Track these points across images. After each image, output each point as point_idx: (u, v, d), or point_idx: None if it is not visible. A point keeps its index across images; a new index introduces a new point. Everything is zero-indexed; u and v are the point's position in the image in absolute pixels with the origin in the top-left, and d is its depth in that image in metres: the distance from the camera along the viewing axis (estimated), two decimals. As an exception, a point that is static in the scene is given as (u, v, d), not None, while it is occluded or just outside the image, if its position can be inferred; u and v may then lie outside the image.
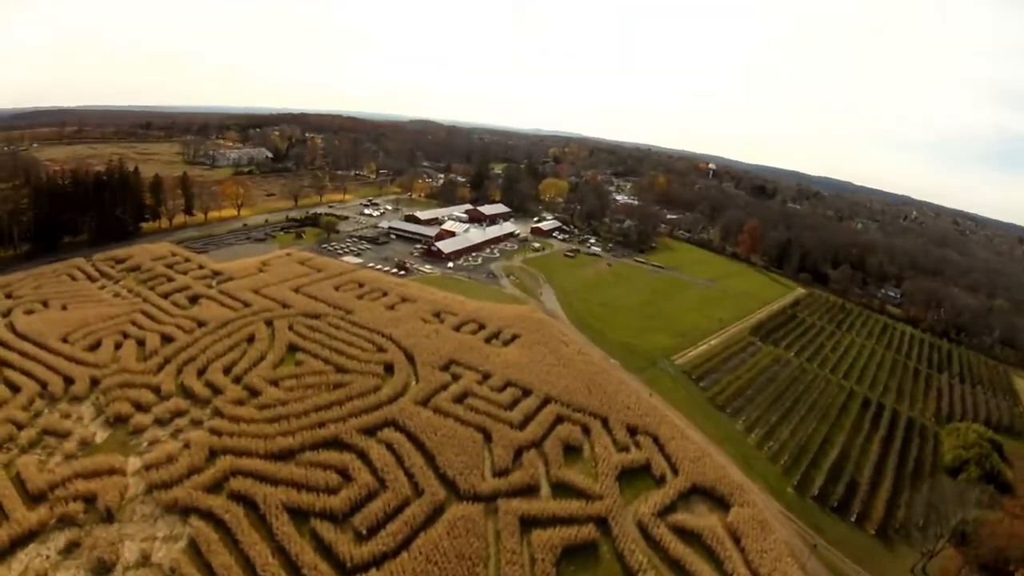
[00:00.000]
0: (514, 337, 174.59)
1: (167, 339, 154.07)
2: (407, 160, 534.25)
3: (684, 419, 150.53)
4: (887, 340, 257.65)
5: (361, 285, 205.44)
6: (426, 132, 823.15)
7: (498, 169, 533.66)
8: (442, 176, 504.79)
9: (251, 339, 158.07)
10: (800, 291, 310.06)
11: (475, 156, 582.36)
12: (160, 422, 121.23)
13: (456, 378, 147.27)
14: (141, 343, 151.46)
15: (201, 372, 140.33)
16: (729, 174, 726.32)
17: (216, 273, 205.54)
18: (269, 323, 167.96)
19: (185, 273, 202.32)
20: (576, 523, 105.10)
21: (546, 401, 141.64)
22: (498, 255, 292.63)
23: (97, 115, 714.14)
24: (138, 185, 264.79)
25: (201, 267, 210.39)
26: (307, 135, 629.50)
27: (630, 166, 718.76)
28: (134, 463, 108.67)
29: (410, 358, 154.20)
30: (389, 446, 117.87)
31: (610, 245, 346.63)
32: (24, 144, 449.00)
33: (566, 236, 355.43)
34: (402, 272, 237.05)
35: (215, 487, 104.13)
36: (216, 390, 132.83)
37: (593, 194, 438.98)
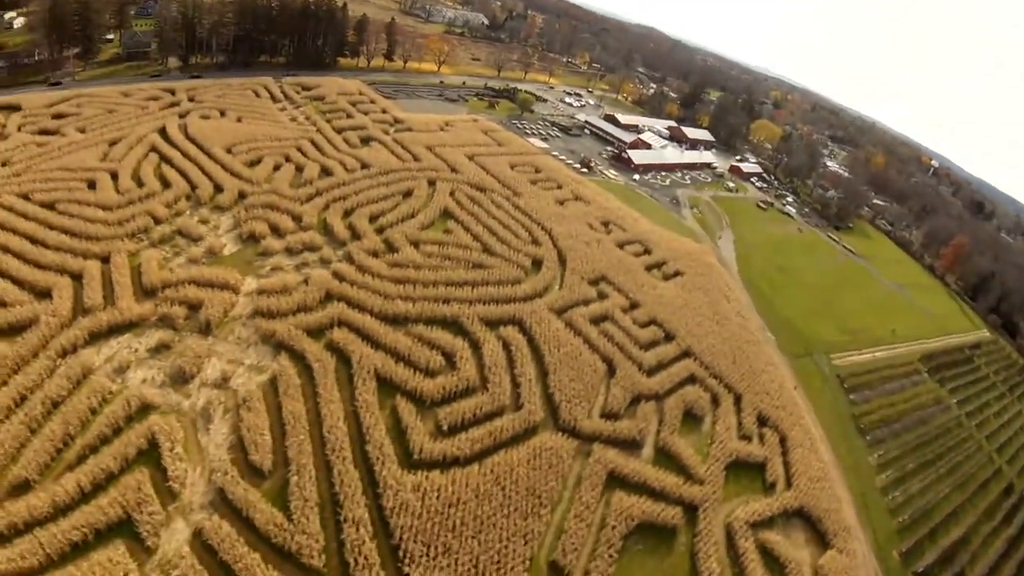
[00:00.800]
0: (676, 273, 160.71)
1: (326, 172, 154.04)
2: (623, 60, 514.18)
3: (820, 428, 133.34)
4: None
5: (538, 170, 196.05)
6: (649, 39, 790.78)
7: (713, 96, 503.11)
8: (654, 86, 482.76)
9: (408, 194, 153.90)
10: (984, 334, 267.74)
11: (693, 76, 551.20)
12: (290, 251, 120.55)
13: (602, 297, 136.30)
14: (300, 169, 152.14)
15: (348, 213, 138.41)
16: (949, 178, 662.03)
17: (397, 121, 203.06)
18: (432, 183, 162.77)
19: (366, 114, 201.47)
20: (664, 500, 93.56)
21: (685, 354, 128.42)
22: (688, 182, 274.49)
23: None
24: (343, 20, 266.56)
25: (384, 111, 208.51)
26: (529, 12, 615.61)
27: (849, 134, 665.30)
28: (250, 284, 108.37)
29: (562, 260, 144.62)
30: (506, 345, 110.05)
31: (806, 210, 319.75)
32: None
33: (764, 185, 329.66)
34: (585, 170, 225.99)
35: (317, 331, 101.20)
36: (356, 234, 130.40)
37: (804, 151, 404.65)
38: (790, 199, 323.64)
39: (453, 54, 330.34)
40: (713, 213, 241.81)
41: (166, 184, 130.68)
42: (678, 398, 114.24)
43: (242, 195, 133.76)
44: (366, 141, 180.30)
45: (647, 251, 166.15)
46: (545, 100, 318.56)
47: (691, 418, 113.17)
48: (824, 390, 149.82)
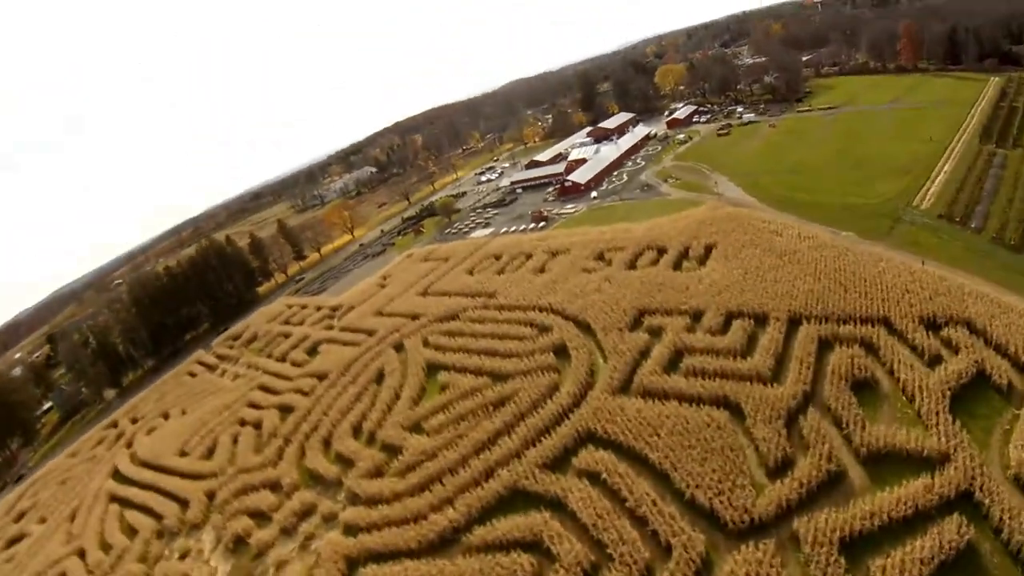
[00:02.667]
0: (709, 249, 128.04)
1: (286, 411, 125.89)
2: (509, 113, 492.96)
3: (981, 281, 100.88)
4: None
5: (498, 257, 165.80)
6: (519, 87, 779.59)
7: (603, 88, 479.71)
8: (549, 117, 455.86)
9: (380, 377, 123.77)
10: (996, 79, 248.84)
11: (574, 85, 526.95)
12: (286, 532, 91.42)
13: (656, 333, 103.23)
14: (258, 427, 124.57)
15: (327, 443, 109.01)
16: (833, 4, 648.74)
17: (335, 309, 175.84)
18: (399, 347, 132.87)
19: (302, 323, 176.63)
20: (927, 521, 58.64)
21: (795, 322, 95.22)
22: (642, 163, 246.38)
23: (219, 208, 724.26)
24: (237, 253, 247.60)
25: (319, 308, 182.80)
26: (406, 138, 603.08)
27: (734, 32, 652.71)
28: None
29: (584, 327, 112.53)
30: (594, 477, 76.19)
31: (761, 107, 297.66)
32: (150, 264, 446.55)
33: (708, 116, 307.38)
34: (541, 224, 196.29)
35: None
36: (347, 462, 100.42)
37: (717, 64, 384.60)
38: (740, 109, 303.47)
39: (358, 214, 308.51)
40: (689, 171, 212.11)
41: (134, 533, 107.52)
42: (832, 378, 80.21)
43: (210, 496, 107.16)
44: (312, 350, 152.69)
45: (662, 251, 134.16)
46: (464, 193, 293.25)
47: (863, 388, 79.02)
48: (944, 241, 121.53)
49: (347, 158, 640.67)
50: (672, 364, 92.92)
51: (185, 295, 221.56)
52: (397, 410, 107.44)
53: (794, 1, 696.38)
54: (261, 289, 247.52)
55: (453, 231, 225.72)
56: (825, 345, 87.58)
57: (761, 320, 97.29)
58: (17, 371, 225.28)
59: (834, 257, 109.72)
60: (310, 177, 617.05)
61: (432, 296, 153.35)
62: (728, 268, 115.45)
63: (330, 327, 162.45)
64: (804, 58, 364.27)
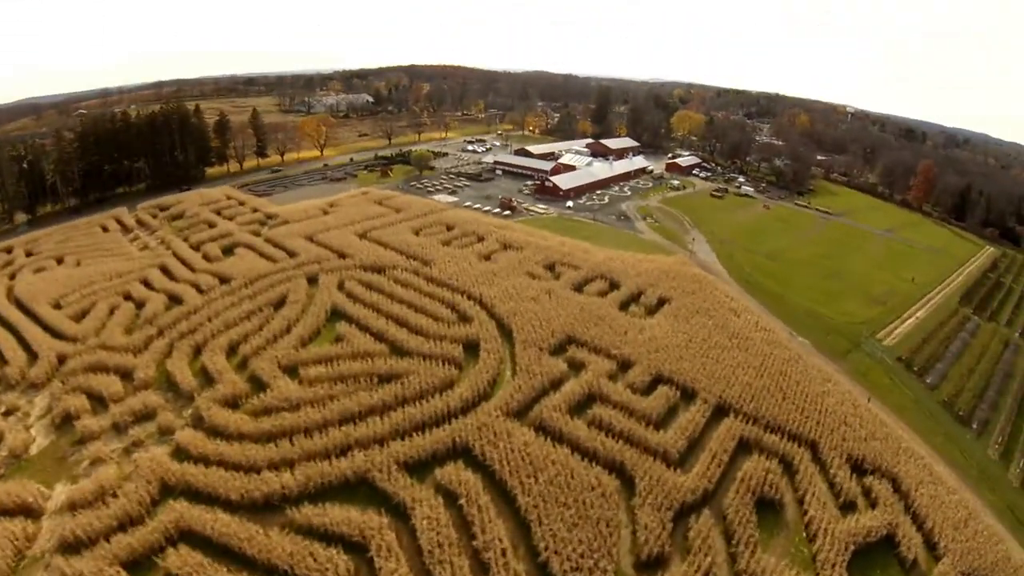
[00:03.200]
0: (662, 301, 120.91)
1: (175, 301, 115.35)
2: (519, 98, 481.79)
3: (919, 440, 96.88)
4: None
5: (450, 228, 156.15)
6: (540, 79, 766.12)
7: (619, 109, 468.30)
8: (557, 115, 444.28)
9: (281, 302, 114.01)
10: (991, 250, 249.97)
11: (594, 96, 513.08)
12: (117, 428, 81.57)
13: (576, 367, 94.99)
14: (140, 307, 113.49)
15: (197, 351, 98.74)
16: (869, 119, 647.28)
17: (269, 217, 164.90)
18: (312, 279, 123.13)
19: (232, 218, 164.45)
20: None
21: (722, 410, 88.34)
22: (629, 193, 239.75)
23: (209, 80, 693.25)
24: (200, 126, 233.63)
25: (255, 211, 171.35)
26: (414, 83, 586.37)
27: (763, 107, 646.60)
28: (59, 495, 71.07)
29: (506, 332, 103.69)
30: (450, 498, 67.88)
31: (762, 185, 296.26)
32: (121, 107, 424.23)
33: (708, 174, 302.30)
34: (507, 212, 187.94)
35: (148, 554, 62.21)
36: (209, 379, 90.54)
37: (735, 129, 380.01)
38: (741, 179, 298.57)
39: (335, 134, 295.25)
40: (670, 218, 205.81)
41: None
42: (739, 486, 73.18)
43: (61, 360, 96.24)
44: (229, 250, 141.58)
45: (614, 285, 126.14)
46: (445, 154, 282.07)
47: (766, 508, 72.38)
48: (895, 385, 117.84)
49: (350, 79, 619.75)
50: (580, 407, 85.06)
51: (132, 148, 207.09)
52: (281, 344, 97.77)
53: (827, 103, 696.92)
54: (211, 171, 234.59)
55: (419, 186, 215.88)
56: (744, 447, 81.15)
57: (688, 395, 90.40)
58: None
59: (784, 360, 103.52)
60: (308, 83, 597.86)
61: (368, 241, 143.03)
62: (674, 328, 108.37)
63: (257, 233, 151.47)
64: (819, 157, 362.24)
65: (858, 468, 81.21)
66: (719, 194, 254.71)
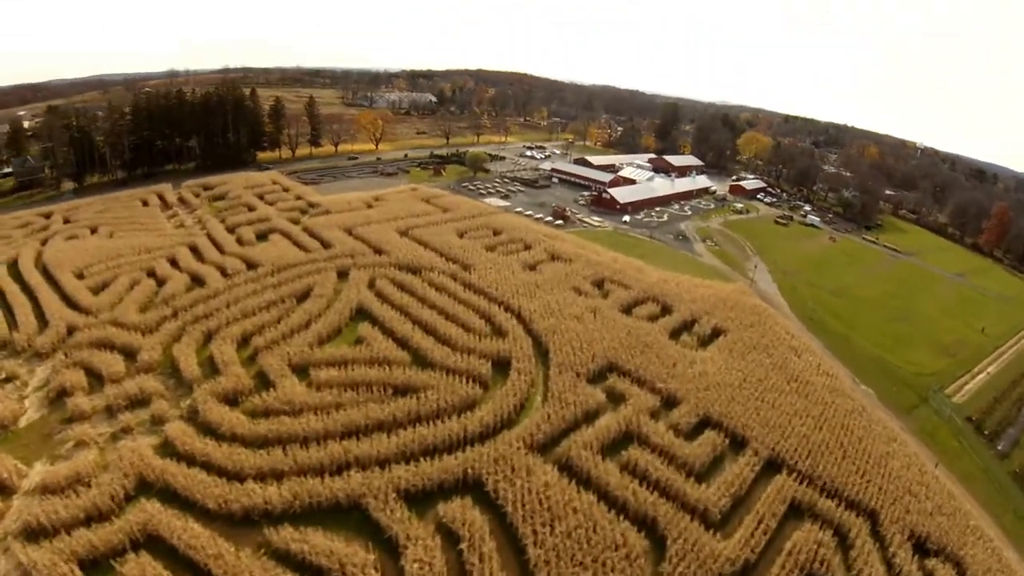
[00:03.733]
0: (717, 332, 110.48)
1: (197, 282, 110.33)
2: (583, 108, 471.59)
3: (987, 518, 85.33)
4: None
5: (496, 233, 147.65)
6: (606, 92, 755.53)
7: (685, 128, 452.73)
8: (621, 128, 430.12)
9: (305, 295, 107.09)
10: None
11: (659, 111, 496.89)
12: (110, 410, 76.58)
13: (615, 399, 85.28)
14: (162, 284, 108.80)
15: (208, 337, 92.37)
16: (939, 155, 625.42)
17: (312, 205, 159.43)
18: (344, 273, 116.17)
19: (273, 204, 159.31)
20: None
21: (774, 464, 77.83)
22: (689, 212, 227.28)
23: (276, 70, 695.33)
24: (255, 110, 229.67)
25: (299, 198, 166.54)
26: (479, 85, 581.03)
27: (831, 136, 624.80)
28: (36, 475, 66.42)
29: (542, 351, 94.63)
30: (451, 540, 58.82)
31: (829, 216, 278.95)
32: (187, 88, 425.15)
33: (773, 200, 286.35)
34: (559, 222, 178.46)
35: (108, 555, 56.07)
36: (214, 369, 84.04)
37: (802, 155, 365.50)
38: (807, 208, 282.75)
39: (392, 130, 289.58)
40: (731, 242, 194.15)
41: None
42: (784, 562, 62.40)
43: (70, 331, 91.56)
44: (264, 236, 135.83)
45: (666, 310, 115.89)
46: (503, 158, 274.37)
47: (813, 586, 62.24)
48: (964, 450, 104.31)
49: (416, 79, 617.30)
50: (614, 446, 74.93)
51: (184, 126, 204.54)
52: (296, 341, 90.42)
53: (897, 138, 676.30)
54: (263, 155, 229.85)
55: (471, 187, 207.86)
56: (795, 512, 70.56)
57: (738, 443, 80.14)
58: (3, 127, 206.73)
59: (846, 411, 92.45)
60: (375, 80, 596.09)
61: (409, 239, 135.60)
62: (728, 364, 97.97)
63: (296, 220, 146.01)
64: (887, 192, 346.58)
65: (921, 547, 70.28)
66: (784, 221, 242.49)
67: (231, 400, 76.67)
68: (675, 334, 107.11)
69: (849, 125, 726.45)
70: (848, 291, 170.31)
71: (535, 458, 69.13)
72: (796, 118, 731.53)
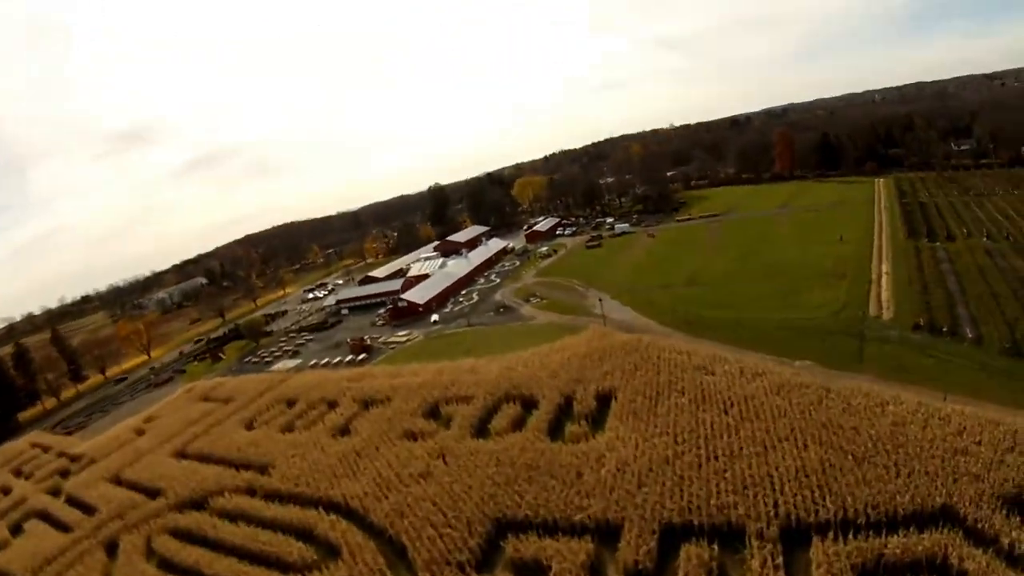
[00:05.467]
0: (604, 399, 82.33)
1: None
2: (352, 229, 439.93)
3: None
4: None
5: (291, 403, 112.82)
6: (367, 210, 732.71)
7: (458, 207, 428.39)
8: (396, 233, 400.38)
9: None
10: (882, 180, 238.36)
11: (426, 202, 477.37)
12: None
13: (531, 573, 55.04)
14: None
15: None
16: (691, 128, 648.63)
17: (74, 460, 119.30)
18: (112, 545, 79.70)
19: (30, 476, 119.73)
20: None
21: (793, 534, 51.06)
22: (497, 280, 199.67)
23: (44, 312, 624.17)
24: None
25: (61, 455, 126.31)
26: (249, 250, 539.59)
27: (592, 156, 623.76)
28: None
29: (397, 551, 62.40)
30: None
31: (634, 217, 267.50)
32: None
33: (574, 229, 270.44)
34: (361, 356, 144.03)
35: None
36: None
37: (581, 175, 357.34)
38: (610, 221, 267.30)
39: (162, 330, 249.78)
40: (557, 289, 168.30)
41: None
42: None
43: None
44: (17, 528, 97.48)
45: (529, 404, 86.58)
46: (284, 312, 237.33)
47: None
48: (940, 362, 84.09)
49: (184, 267, 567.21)
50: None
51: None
52: None
53: (649, 130, 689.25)
54: (28, 414, 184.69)
55: (254, 360, 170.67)
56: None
57: (731, 536, 52.12)
58: None
59: (812, 404, 68.11)
60: (146, 284, 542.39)
61: (189, 459, 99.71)
62: (643, 434, 69.88)
63: (56, 490, 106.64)
64: (669, 173, 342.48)
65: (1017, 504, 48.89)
66: (595, 243, 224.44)
67: None
68: (555, 430, 77.81)
69: (607, 138, 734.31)
70: (702, 275, 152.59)
71: None
72: (554, 154, 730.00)
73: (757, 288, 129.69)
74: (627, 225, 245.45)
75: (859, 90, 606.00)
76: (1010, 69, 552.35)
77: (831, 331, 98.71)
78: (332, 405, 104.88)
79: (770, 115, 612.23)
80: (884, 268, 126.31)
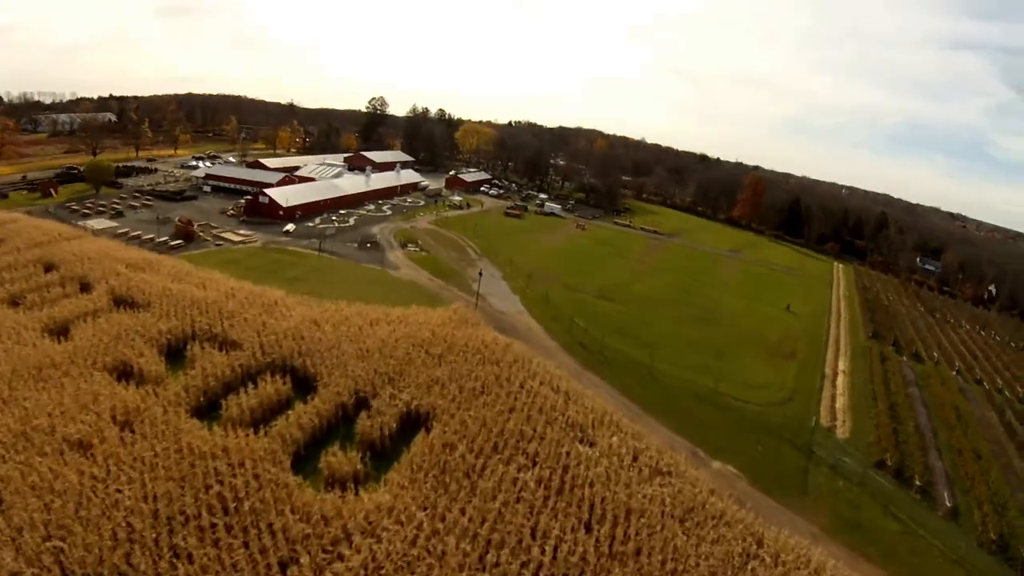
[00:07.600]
0: (415, 421, 53.93)
1: None
2: (278, 117, 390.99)
3: None
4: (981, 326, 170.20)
5: (48, 269, 79.16)
6: (320, 111, 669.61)
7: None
8: (315, 131, 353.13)
9: None
10: (842, 265, 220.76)
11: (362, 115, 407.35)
12: None
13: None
14: None
15: None
16: (659, 148, 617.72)
17: None
18: None
19: None
20: None
21: None
22: (389, 212, 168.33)
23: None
24: None
25: None
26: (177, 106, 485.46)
27: (556, 136, 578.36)
28: None
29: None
30: None
31: (571, 203, 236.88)
32: None
33: (502, 192, 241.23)
34: (178, 242, 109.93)
35: None
36: None
37: (531, 146, 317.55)
38: (543, 197, 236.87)
39: (27, 150, 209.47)
40: (446, 244, 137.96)
41: None
42: None
43: None
44: None
45: (307, 385, 57.44)
46: (154, 170, 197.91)
47: None
48: (907, 530, 58.72)
49: (108, 101, 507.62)
50: None
51: None
52: None
53: (621, 136, 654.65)
54: None
55: (77, 207, 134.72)
56: None
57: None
58: None
59: (731, 557, 43.16)
60: (66, 108, 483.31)
61: None
62: (437, 514, 42.98)
63: None
64: (625, 178, 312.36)
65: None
66: (516, 212, 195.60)
67: None
68: (310, 450, 48.84)
69: (575, 127, 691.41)
70: (621, 291, 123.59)
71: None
72: (519, 122, 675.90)
73: (684, 331, 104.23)
74: (559, 207, 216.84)
75: (828, 179, 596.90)
76: (972, 218, 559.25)
77: (770, 428, 72.70)
78: (85, 288, 73.62)
79: (740, 167, 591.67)
80: (840, 365, 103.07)
